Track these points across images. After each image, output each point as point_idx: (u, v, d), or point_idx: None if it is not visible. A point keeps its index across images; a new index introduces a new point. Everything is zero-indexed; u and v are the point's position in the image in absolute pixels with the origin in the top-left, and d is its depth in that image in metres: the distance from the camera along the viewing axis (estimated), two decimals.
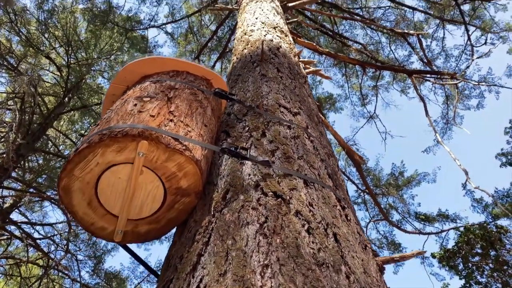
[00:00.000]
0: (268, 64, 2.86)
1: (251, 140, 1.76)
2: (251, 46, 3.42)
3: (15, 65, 10.92)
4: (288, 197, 1.33)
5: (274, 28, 4.13)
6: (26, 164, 11.13)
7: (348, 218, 1.45)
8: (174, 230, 1.64)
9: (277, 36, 3.86)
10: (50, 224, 11.51)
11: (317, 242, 1.16)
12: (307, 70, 4.81)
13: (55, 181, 11.80)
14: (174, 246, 1.42)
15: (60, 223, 11.70)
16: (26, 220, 11.10)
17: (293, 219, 1.23)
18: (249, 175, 1.48)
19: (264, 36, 3.70)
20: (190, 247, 1.24)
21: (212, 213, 1.33)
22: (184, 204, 1.47)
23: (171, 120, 1.50)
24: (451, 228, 9.99)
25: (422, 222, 10.48)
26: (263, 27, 4.06)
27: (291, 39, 4.48)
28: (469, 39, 9.33)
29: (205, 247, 1.19)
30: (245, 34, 4.04)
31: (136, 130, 1.34)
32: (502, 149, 11.14)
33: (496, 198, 10.17)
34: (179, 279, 1.13)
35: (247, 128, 1.88)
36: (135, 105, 1.55)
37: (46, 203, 11.58)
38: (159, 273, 1.54)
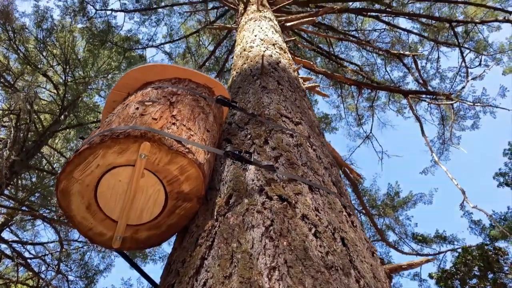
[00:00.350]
0: (268, 77, 2.86)
1: (254, 147, 1.73)
2: (251, 61, 3.43)
3: (12, 82, 10.93)
4: (293, 201, 1.29)
5: (273, 44, 4.16)
6: (19, 182, 11.00)
7: (355, 224, 1.42)
8: (172, 239, 1.59)
9: (277, 52, 3.89)
10: (42, 244, 11.30)
11: (325, 245, 1.12)
12: (304, 86, 4.84)
13: (48, 199, 11.64)
14: (174, 252, 1.37)
15: (51, 242, 11.49)
16: (17, 239, 10.89)
17: (299, 222, 1.20)
18: (253, 180, 1.44)
19: (264, 51, 3.72)
20: (192, 251, 1.20)
21: (215, 217, 1.29)
22: (186, 210, 1.43)
23: (173, 124, 1.47)
24: (448, 250, 9.89)
25: (420, 244, 10.38)
26: (262, 44, 4.09)
27: (290, 56, 4.51)
28: (463, 60, 9.48)
29: (208, 250, 1.14)
30: (244, 50, 4.06)
31: (139, 131, 1.31)
32: (500, 169, 11.17)
33: (493, 222, 10.12)
34: (182, 283, 1.08)
35: (249, 136, 1.86)
36: (137, 108, 1.52)
37: (38, 222, 11.39)
38: (158, 283, 1.48)
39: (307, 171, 1.58)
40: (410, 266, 1.49)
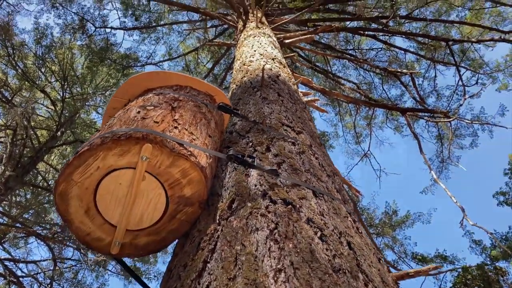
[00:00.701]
0: (268, 89, 2.85)
1: (256, 154, 1.71)
2: (251, 74, 3.44)
3: (9, 98, 10.92)
4: (298, 205, 1.26)
5: (273, 59, 4.18)
6: (14, 198, 10.87)
7: (360, 230, 1.39)
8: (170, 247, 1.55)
9: (276, 66, 3.90)
10: (34, 262, 11.10)
11: (331, 249, 1.09)
12: (304, 99, 4.84)
13: (42, 216, 11.48)
14: (175, 257, 1.33)
15: (44, 260, 11.29)
16: (10, 256, 10.70)
17: (304, 226, 1.16)
18: (256, 185, 1.41)
19: (264, 65, 3.73)
20: (194, 255, 1.16)
21: (218, 221, 1.26)
22: (187, 214, 1.39)
23: (175, 127, 1.45)
24: (449, 270, 9.75)
25: (419, 263, 10.23)
26: (262, 58, 4.11)
27: (289, 70, 4.53)
28: (460, 79, 9.56)
29: (211, 254, 1.11)
30: (244, 64, 4.08)
31: (140, 133, 1.29)
32: (500, 188, 11.10)
33: (494, 241, 10.00)
34: (184, 286, 1.04)
35: (250, 144, 1.84)
36: (139, 112, 1.50)
37: (31, 239, 11.22)
38: None
39: (311, 177, 1.55)
40: (418, 273, 1.45)
